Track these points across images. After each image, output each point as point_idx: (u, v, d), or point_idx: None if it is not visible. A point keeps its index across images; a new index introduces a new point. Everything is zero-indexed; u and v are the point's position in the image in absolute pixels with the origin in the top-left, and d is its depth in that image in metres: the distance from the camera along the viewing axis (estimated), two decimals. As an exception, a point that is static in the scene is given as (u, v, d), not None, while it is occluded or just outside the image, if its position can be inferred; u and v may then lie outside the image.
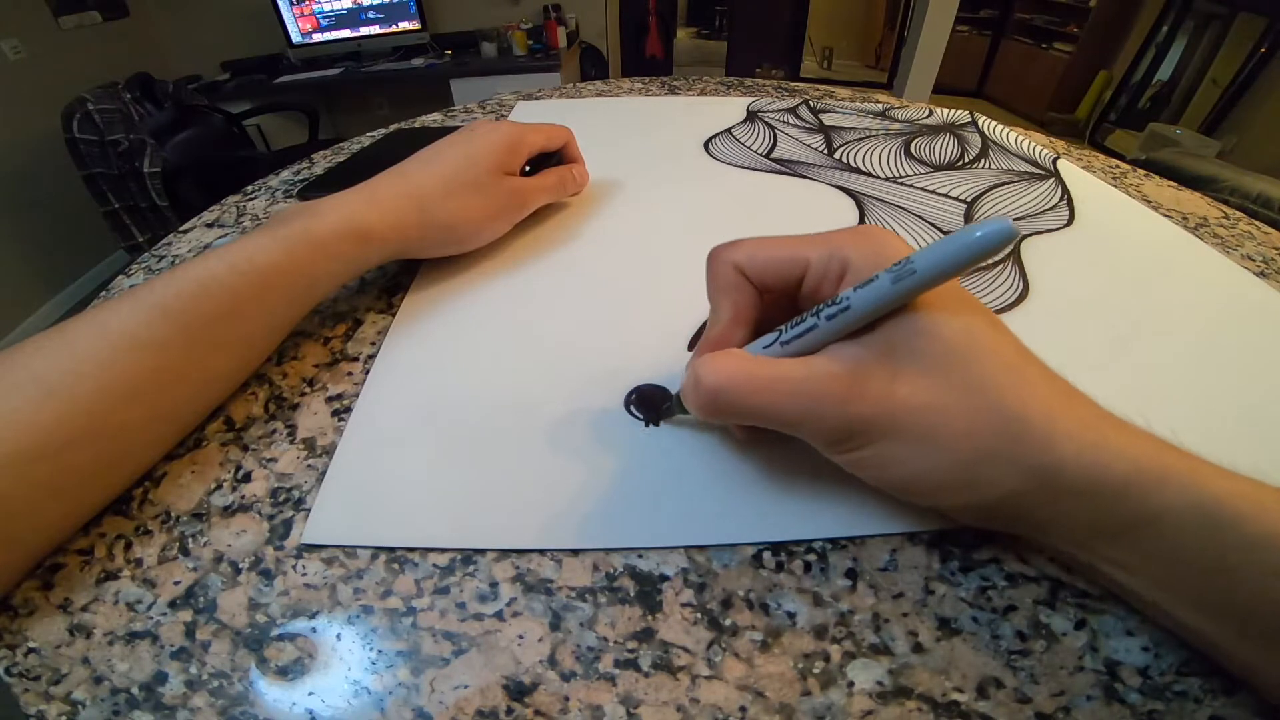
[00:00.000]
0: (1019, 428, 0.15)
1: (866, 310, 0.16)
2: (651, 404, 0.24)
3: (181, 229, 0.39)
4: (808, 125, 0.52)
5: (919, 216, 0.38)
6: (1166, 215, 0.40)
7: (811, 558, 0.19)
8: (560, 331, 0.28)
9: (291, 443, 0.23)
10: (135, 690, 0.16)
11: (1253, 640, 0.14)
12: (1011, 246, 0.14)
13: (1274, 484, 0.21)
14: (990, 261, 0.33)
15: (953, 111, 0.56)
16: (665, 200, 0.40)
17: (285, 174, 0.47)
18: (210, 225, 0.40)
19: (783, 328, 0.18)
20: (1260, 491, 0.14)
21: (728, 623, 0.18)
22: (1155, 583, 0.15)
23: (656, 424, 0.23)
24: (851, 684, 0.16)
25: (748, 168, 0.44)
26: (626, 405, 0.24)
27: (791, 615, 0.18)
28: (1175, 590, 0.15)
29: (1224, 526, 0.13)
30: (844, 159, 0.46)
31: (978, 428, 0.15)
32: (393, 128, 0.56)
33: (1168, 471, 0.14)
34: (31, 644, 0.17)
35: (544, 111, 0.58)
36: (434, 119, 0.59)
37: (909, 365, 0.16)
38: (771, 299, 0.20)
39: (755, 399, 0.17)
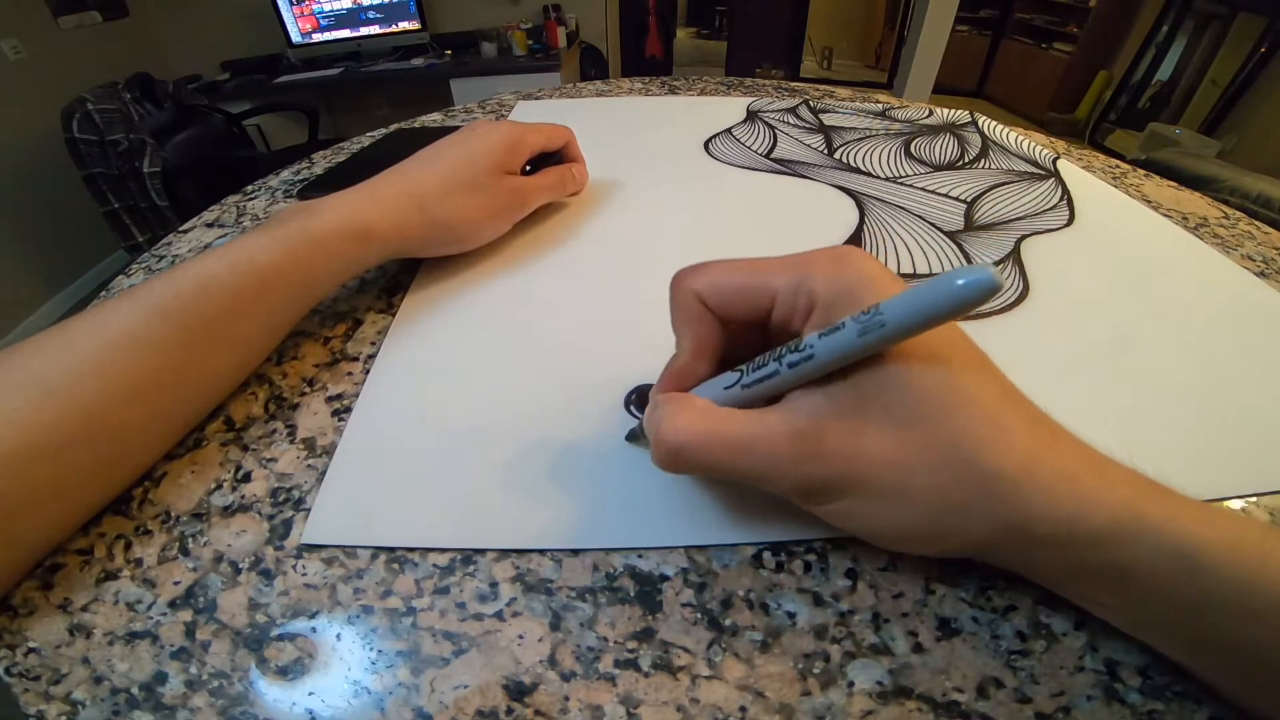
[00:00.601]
0: (993, 483, 0.14)
1: (831, 360, 0.15)
2: (651, 404, 0.24)
3: (181, 229, 0.39)
4: (808, 125, 0.52)
5: (919, 216, 0.38)
6: (1166, 215, 0.40)
7: (811, 558, 0.19)
8: (560, 331, 0.28)
9: (291, 443, 0.23)
10: (135, 690, 0.16)
11: (1234, 675, 0.15)
12: (994, 298, 0.12)
13: (1273, 486, 0.21)
14: (990, 262, 0.33)
15: (953, 111, 0.56)
16: (665, 200, 0.40)
17: (285, 174, 0.47)
18: (210, 225, 0.40)
19: (744, 368, 0.17)
20: (1240, 530, 0.14)
21: (728, 623, 0.18)
22: (1133, 621, 0.16)
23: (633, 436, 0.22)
24: (851, 684, 0.16)
25: (748, 168, 0.44)
26: (626, 405, 0.24)
27: (791, 615, 0.18)
28: (1154, 628, 0.15)
29: (1198, 574, 0.13)
30: (844, 159, 0.46)
31: (947, 483, 0.15)
32: (393, 128, 0.56)
33: (1143, 521, 0.14)
34: (31, 644, 0.17)
35: (544, 111, 0.58)
36: (434, 119, 0.59)
37: (877, 419, 0.15)
38: (738, 328, 0.19)
39: (714, 458, 0.17)
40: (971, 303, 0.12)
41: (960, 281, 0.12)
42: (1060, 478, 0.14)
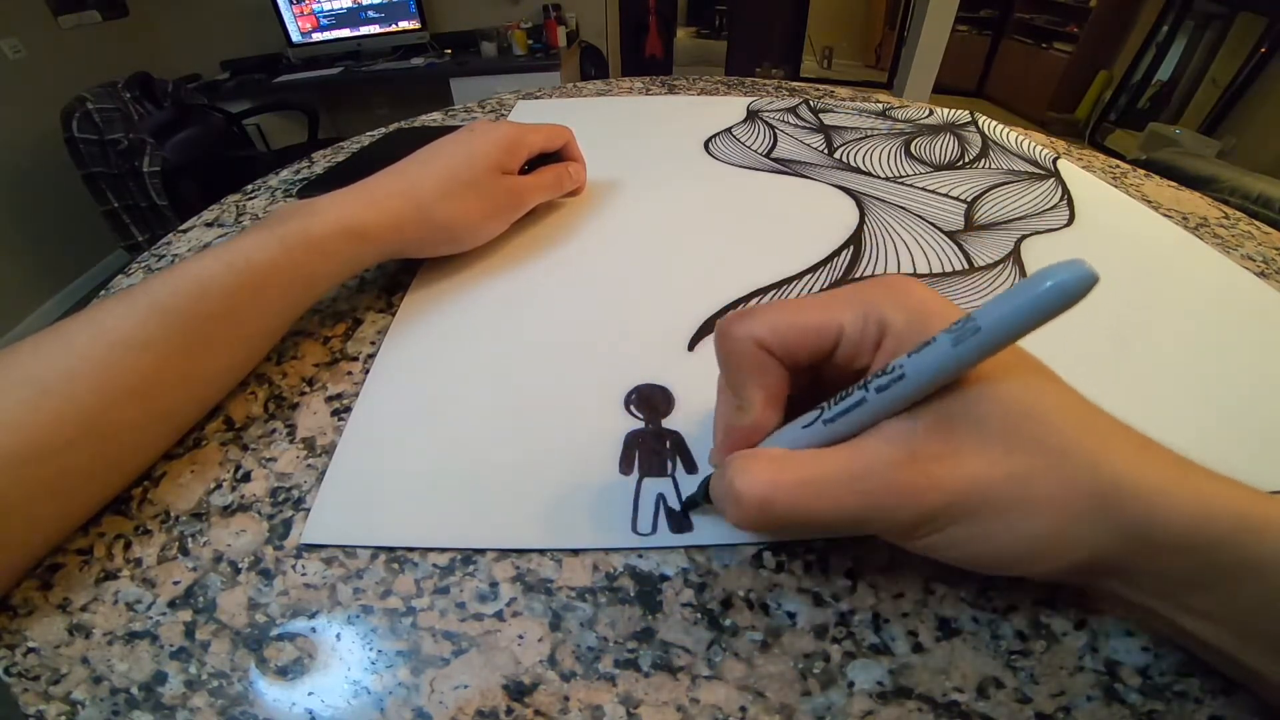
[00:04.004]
0: (1107, 486, 0.14)
1: (925, 381, 0.14)
2: (652, 404, 0.24)
3: (181, 228, 0.39)
4: (808, 125, 0.52)
5: (919, 216, 0.38)
6: (1166, 215, 0.40)
7: (811, 558, 0.19)
8: (560, 331, 0.28)
9: (291, 442, 0.23)
10: (135, 690, 0.16)
11: None
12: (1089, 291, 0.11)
13: (1273, 486, 0.21)
14: (988, 261, 0.33)
15: (953, 111, 0.56)
16: (665, 200, 0.40)
17: (285, 173, 0.47)
18: (210, 225, 0.40)
19: (825, 405, 0.16)
20: None
21: (728, 623, 0.18)
22: (1240, 633, 0.14)
23: (681, 527, 0.20)
24: (851, 684, 0.16)
25: (748, 167, 0.44)
26: (626, 405, 0.24)
27: (791, 615, 0.18)
28: (1262, 641, 0.14)
29: None
30: (844, 159, 0.46)
31: (1065, 491, 0.14)
32: (393, 127, 0.56)
33: (1269, 520, 0.13)
34: (31, 644, 0.17)
35: (544, 111, 0.58)
36: (434, 118, 0.58)
37: (973, 436, 0.14)
38: (796, 372, 0.18)
39: (811, 507, 0.15)
40: (1069, 300, 0.12)
41: (1049, 284, 0.11)
42: (1176, 481, 0.14)
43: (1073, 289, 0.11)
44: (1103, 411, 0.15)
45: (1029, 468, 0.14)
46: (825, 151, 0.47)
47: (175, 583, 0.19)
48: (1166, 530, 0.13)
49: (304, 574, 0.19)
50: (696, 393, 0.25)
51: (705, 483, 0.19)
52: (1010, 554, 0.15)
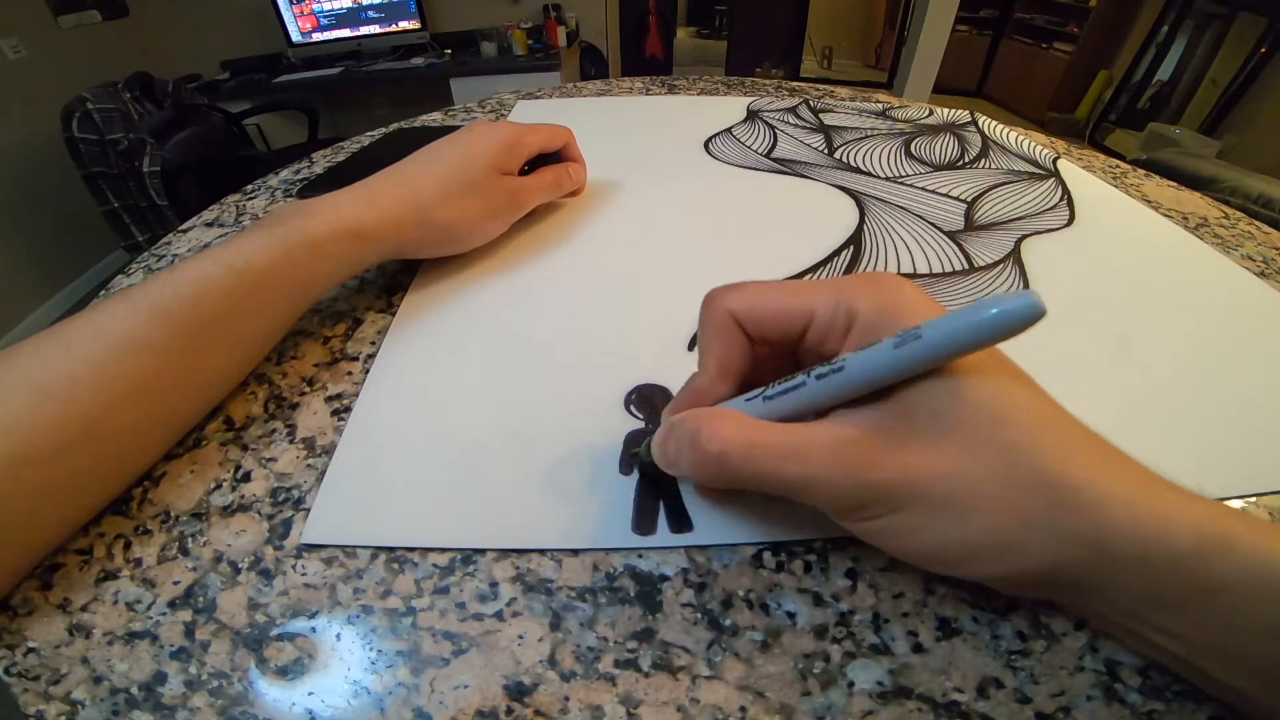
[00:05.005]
0: (1063, 492, 0.14)
1: (864, 375, 0.15)
2: (652, 404, 0.24)
3: (181, 228, 0.39)
4: (808, 125, 0.52)
5: (919, 216, 0.38)
6: (1166, 215, 0.40)
7: (811, 558, 0.19)
8: (560, 331, 0.28)
9: (291, 442, 0.23)
10: (135, 690, 0.16)
11: None
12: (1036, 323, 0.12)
13: (1273, 486, 0.21)
14: (988, 261, 0.33)
15: (953, 111, 0.56)
16: (665, 200, 0.40)
17: (285, 173, 0.47)
18: (210, 225, 0.40)
19: (771, 384, 0.17)
20: None
21: (728, 623, 0.18)
22: (1209, 650, 0.14)
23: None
24: (851, 684, 0.16)
25: (748, 167, 0.44)
26: (626, 405, 0.24)
27: (791, 615, 0.18)
28: (1231, 658, 0.14)
29: None
30: (844, 159, 0.46)
31: (1013, 493, 0.14)
32: (393, 127, 0.56)
33: (1234, 538, 0.13)
34: (31, 644, 0.17)
35: (544, 111, 0.58)
36: (434, 118, 0.58)
37: (929, 428, 0.15)
38: (770, 351, 0.19)
39: (760, 465, 0.16)
40: (1015, 328, 0.12)
41: (994, 310, 0.12)
42: (1138, 493, 0.14)
43: (1017, 319, 0.12)
44: (1072, 418, 0.15)
45: (982, 465, 0.14)
46: (825, 151, 0.47)
47: (175, 583, 0.19)
48: (1128, 544, 0.13)
49: (304, 574, 0.19)
50: (696, 393, 0.24)
51: (648, 445, 0.19)
52: (952, 551, 0.15)
